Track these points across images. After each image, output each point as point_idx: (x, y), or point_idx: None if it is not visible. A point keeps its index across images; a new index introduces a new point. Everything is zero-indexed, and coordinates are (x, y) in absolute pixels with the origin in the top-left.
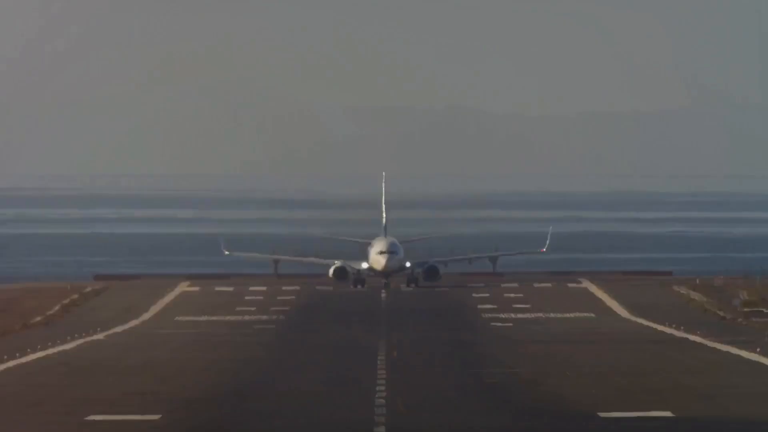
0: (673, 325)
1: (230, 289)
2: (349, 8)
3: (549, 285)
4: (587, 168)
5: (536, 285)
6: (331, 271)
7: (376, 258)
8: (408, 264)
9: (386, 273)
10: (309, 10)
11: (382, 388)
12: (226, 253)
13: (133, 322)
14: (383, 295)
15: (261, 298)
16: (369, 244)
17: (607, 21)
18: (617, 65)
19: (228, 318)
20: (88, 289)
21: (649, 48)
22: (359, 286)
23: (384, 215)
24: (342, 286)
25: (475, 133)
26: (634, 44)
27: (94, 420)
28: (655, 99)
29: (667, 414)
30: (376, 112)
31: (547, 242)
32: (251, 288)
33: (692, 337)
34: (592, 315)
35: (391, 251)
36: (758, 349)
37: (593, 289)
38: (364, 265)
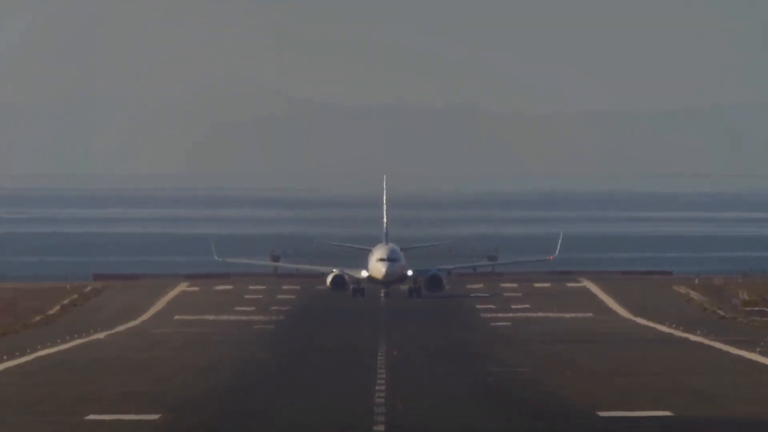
0: (673, 325)
1: (230, 288)
2: (350, 7)
3: (548, 285)
4: (587, 168)
5: (536, 285)
6: (328, 280)
7: (376, 266)
8: (410, 272)
9: (386, 282)
10: (308, 9)
11: (382, 387)
12: (218, 259)
13: (133, 322)
14: (383, 294)
15: (261, 297)
16: (370, 252)
17: (606, 20)
18: (617, 65)
19: (227, 318)
20: (88, 289)
21: (650, 48)
22: (359, 296)
23: (385, 220)
24: (340, 297)
25: (475, 132)
26: (634, 44)
27: (93, 420)
28: (657, 99)
29: (667, 414)
30: (376, 110)
31: (558, 249)
32: (251, 287)
33: (692, 337)
34: (592, 315)
35: (391, 259)
36: (758, 349)
37: (593, 288)
38: (364, 273)
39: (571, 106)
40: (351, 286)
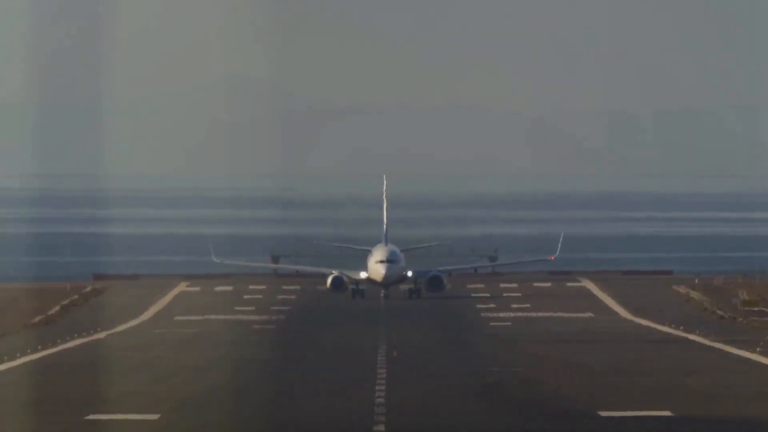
0: (673, 325)
1: (230, 288)
2: (349, 6)
3: (548, 285)
4: (586, 168)
5: (535, 285)
6: (328, 281)
7: (375, 267)
8: (410, 273)
9: (385, 283)
10: (308, 8)
11: (382, 387)
12: (216, 260)
13: (133, 322)
14: (382, 295)
15: (261, 297)
16: (369, 253)
17: (606, 19)
18: (616, 65)
19: (227, 318)
20: (88, 289)
21: (649, 48)
22: (358, 297)
23: (385, 221)
24: (339, 299)
25: (476, 131)
26: (634, 44)
27: (93, 419)
28: (655, 99)
29: (667, 413)
30: (376, 110)
31: (558, 249)
32: (251, 287)
33: (692, 337)
34: (592, 315)
35: (390, 260)
36: (758, 349)
37: (593, 288)
38: (363, 275)
39: (571, 106)
40: (350, 287)
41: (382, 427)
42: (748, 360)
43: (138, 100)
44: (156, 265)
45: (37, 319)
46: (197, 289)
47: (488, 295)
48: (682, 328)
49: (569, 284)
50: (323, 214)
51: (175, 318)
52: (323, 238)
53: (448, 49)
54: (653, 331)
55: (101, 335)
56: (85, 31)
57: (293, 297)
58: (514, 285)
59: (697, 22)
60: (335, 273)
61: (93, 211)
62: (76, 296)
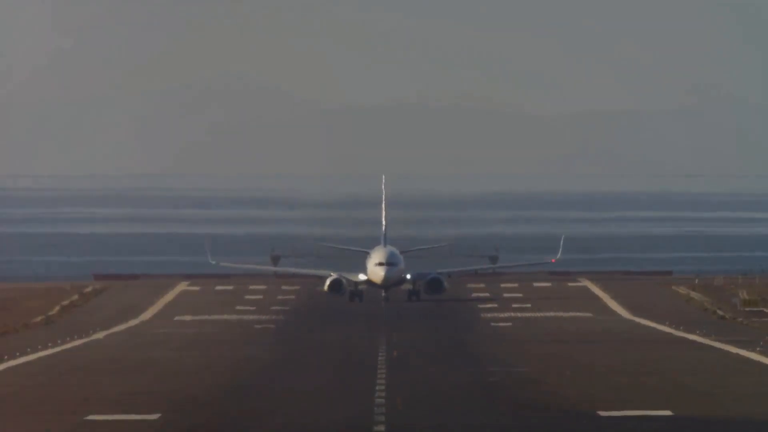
0: (673, 325)
1: (230, 288)
2: (349, 6)
3: (548, 284)
4: (586, 168)
5: (536, 284)
6: (326, 284)
7: (374, 270)
8: (408, 276)
9: (385, 286)
10: (307, 8)
11: (382, 387)
12: (213, 262)
13: (133, 322)
14: (382, 297)
15: (261, 297)
16: (368, 255)
17: (605, 19)
18: (616, 64)
19: (228, 317)
20: (88, 289)
21: (649, 48)
22: (356, 300)
23: (384, 222)
24: (338, 301)
25: (476, 131)
26: (633, 44)
27: (93, 420)
28: (655, 99)
29: (667, 413)
30: (375, 110)
31: (560, 251)
32: (251, 287)
33: (692, 337)
34: (592, 315)
35: (390, 262)
36: (758, 349)
37: (593, 288)
38: (362, 277)
39: (572, 106)
40: (349, 290)
41: (382, 427)
42: (748, 360)
43: (137, 100)
44: (156, 265)
45: (37, 319)
46: (197, 288)
47: (488, 295)
48: (682, 328)
49: (569, 284)
50: (323, 214)
51: (175, 318)
52: (323, 239)
53: (449, 48)
54: (653, 331)
55: (101, 335)
56: (84, 30)
57: (293, 297)
58: (515, 285)
59: (697, 22)
60: (334, 275)
61: (93, 211)
62: (76, 296)
